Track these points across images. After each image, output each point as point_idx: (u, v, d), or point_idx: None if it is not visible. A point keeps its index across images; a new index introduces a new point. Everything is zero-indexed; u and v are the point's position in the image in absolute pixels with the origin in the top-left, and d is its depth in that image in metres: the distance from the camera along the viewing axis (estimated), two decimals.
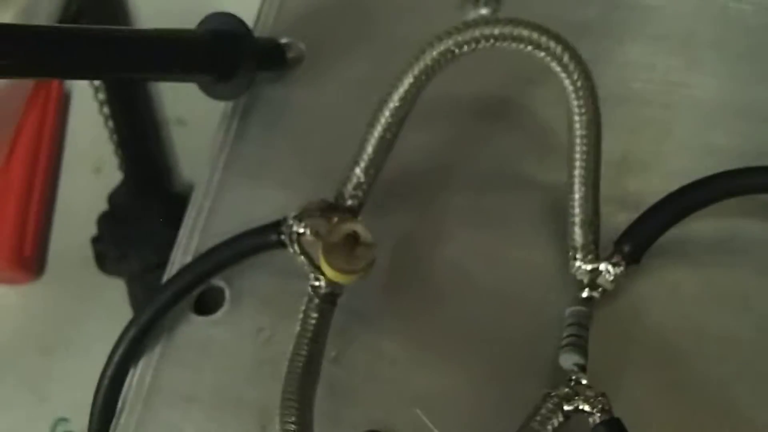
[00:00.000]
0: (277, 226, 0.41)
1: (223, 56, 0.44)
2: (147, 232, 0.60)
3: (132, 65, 0.41)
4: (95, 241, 0.61)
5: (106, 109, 0.65)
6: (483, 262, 0.44)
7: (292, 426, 0.35)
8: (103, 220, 0.61)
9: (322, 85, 0.50)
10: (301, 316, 0.40)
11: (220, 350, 0.43)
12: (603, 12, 0.49)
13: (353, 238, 0.38)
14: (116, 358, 0.43)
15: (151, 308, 0.42)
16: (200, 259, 0.43)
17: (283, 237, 0.41)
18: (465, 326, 0.43)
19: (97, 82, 0.65)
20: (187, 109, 0.64)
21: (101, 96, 0.66)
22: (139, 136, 0.65)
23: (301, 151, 0.48)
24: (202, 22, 0.45)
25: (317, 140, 0.48)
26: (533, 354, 0.41)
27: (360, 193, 0.40)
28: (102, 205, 0.64)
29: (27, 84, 0.64)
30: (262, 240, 0.41)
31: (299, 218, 0.40)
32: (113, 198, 0.62)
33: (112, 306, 0.61)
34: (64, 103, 0.68)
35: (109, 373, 0.43)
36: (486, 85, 0.48)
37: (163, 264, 0.57)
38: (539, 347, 0.41)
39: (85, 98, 0.69)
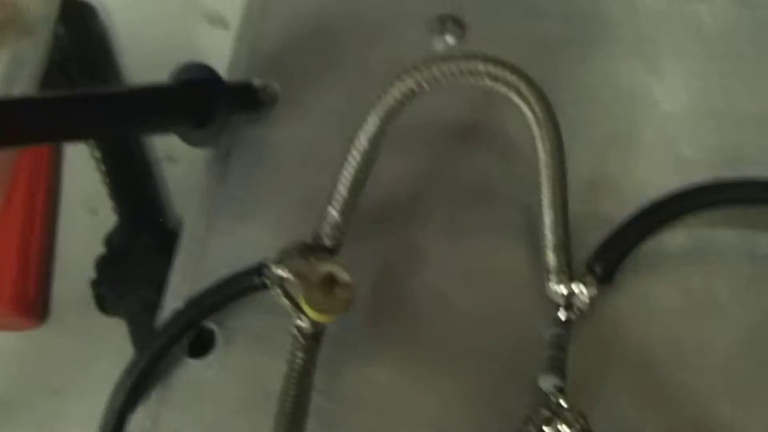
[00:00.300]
0: (259, 269, 0.42)
1: (197, 105, 0.45)
2: (144, 271, 0.61)
3: (110, 125, 0.43)
4: (94, 283, 0.62)
5: (97, 153, 0.66)
6: (464, 284, 0.45)
7: None
8: (101, 262, 0.62)
9: (299, 121, 0.51)
10: (288, 356, 0.41)
11: (215, 391, 0.45)
12: (566, 30, 0.50)
13: (331, 280, 0.39)
14: (116, 407, 0.44)
15: (146, 355, 0.44)
16: (189, 305, 0.44)
17: (265, 279, 0.42)
18: (450, 348, 0.44)
19: None
20: (177, 146, 0.66)
21: (91, 141, 0.67)
22: (131, 178, 0.66)
23: (284, 188, 0.49)
24: (174, 74, 0.46)
25: (299, 176, 0.50)
26: (519, 372, 0.42)
27: (337, 233, 0.42)
28: (100, 247, 0.65)
29: None
30: (246, 283, 0.43)
31: (279, 261, 0.41)
32: (109, 240, 0.63)
33: (117, 346, 0.62)
34: (57, 148, 0.69)
35: (109, 421, 0.44)
36: (458, 108, 0.49)
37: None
38: (524, 364, 0.42)
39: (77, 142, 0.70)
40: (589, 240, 0.43)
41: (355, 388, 0.43)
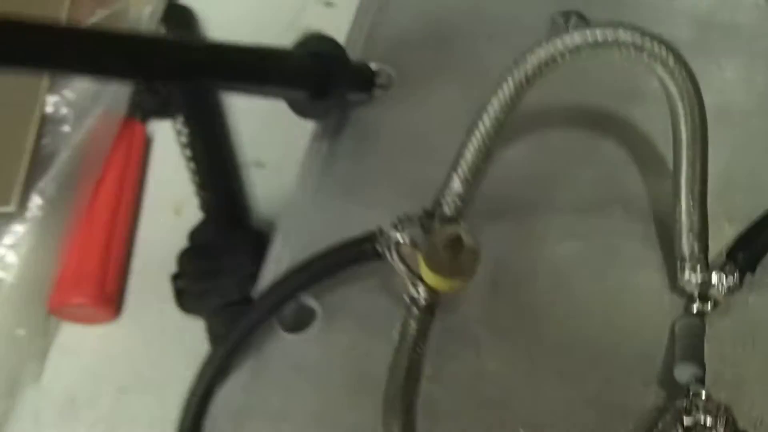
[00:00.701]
0: (372, 237, 0.40)
1: (319, 74, 0.45)
2: (228, 267, 0.59)
3: (232, 74, 0.42)
4: (176, 277, 0.60)
5: (188, 152, 0.66)
6: (584, 278, 0.43)
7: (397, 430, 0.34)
8: (184, 256, 0.61)
9: (409, 107, 0.50)
10: (400, 326, 0.39)
11: (312, 367, 0.42)
12: (695, 31, 0.49)
13: (456, 244, 0.36)
14: (207, 376, 0.42)
15: (246, 323, 0.42)
16: (295, 272, 0.42)
17: (379, 247, 0.40)
18: (566, 343, 0.41)
19: (179, 125, 0.67)
20: (265, 152, 0.66)
21: (183, 139, 0.67)
22: (220, 177, 0.65)
23: (390, 171, 0.48)
24: (299, 43, 0.45)
25: (405, 161, 0.48)
26: (636, 371, 0.40)
27: (458, 202, 0.40)
28: (179, 246, 0.63)
29: (114, 126, 0.66)
30: (357, 251, 0.41)
31: (398, 227, 0.39)
32: (194, 235, 0.62)
33: (189, 345, 0.60)
34: (146, 145, 0.69)
35: (198, 390, 0.42)
36: (583, 100, 0.48)
37: (243, 300, 0.56)
38: (643, 364, 0.40)
39: (165, 141, 0.70)
40: (724, 236, 0.41)
41: (466, 378, 0.41)
